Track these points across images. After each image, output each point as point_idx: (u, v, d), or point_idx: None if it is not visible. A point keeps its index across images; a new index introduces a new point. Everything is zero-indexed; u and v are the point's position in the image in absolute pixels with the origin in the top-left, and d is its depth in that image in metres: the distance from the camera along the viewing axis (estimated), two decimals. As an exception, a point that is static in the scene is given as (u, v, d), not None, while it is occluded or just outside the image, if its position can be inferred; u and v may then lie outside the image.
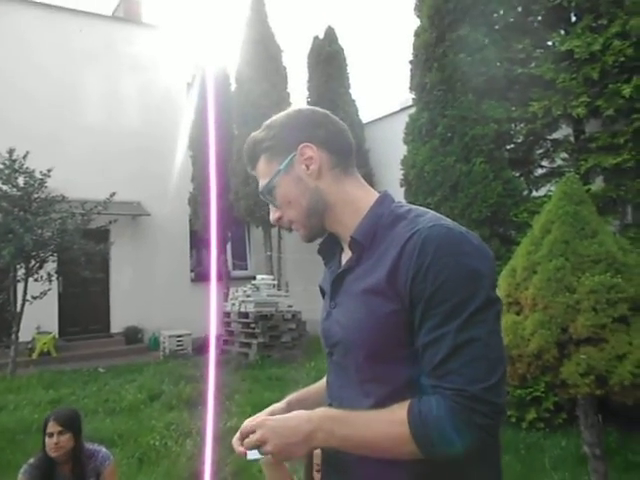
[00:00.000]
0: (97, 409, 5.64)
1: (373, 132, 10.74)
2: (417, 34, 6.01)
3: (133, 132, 10.71)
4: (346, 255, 1.07)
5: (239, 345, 8.81)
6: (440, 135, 5.17)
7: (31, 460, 2.89)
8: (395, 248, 0.93)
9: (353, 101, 9.64)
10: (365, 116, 10.09)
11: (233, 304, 9.03)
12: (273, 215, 1.09)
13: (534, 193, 5.93)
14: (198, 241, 11.63)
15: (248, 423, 0.95)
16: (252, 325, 8.54)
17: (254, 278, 9.39)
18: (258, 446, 0.91)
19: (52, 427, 2.76)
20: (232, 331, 9.08)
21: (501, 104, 5.51)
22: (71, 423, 2.83)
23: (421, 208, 1.01)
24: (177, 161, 10.94)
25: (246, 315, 8.64)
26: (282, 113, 1.10)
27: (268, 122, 1.10)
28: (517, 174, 5.83)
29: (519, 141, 6.12)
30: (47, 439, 2.75)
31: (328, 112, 1.09)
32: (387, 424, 0.88)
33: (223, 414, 5.39)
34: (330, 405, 1.04)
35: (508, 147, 6.04)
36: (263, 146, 1.07)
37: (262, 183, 1.07)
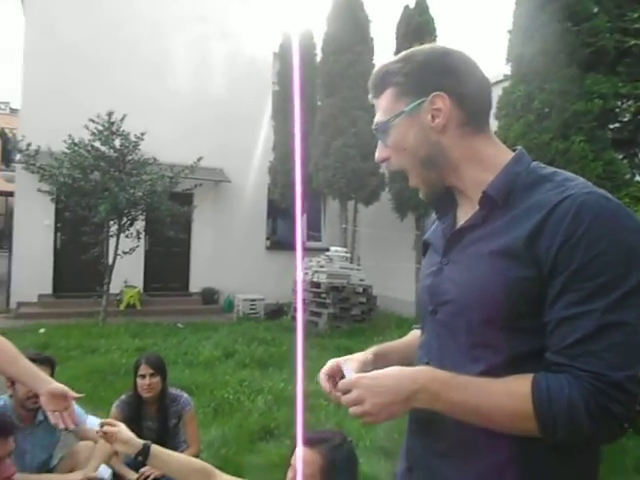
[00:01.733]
0: (177, 360, 6.00)
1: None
2: (518, 2, 5.63)
3: (220, 100, 11.00)
4: (463, 212, 1.02)
5: (309, 314, 8.98)
6: (536, 110, 4.84)
7: (123, 397, 3.14)
8: (539, 211, 0.86)
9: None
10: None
11: (306, 273, 9.19)
12: (380, 153, 1.03)
13: (637, 177, 5.46)
14: (275, 210, 11.89)
15: (343, 382, 0.92)
16: (323, 295, 8.66)
17: (327, 250, 9.47)
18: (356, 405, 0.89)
19: (144, 369, 2.97)
20: (303, 300, 9.26)
21: (609, 79, 5.06)
22: (160, 367, 3.05)
23: (567, 172, 0.94)
24: (260, 130, 11.16)
25: (318, 285, 8.77)
26: (425, 47, 1.00)
27: (407, 54, 1.01)
28: (620, 156, 5.37)
29: (625, 120, 5.62)
30: (139, 380, 2.97)
31: (476, 62, 1.00)
32: (505, 396, 0.83)
33: (292, 377, 5.56)
34: (427, 363, 1.00)
35: (612, 126, 5.57)
36: (394, 80, 0.99)
37: (379, 118, 1.01)
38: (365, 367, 1.04)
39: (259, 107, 11.38)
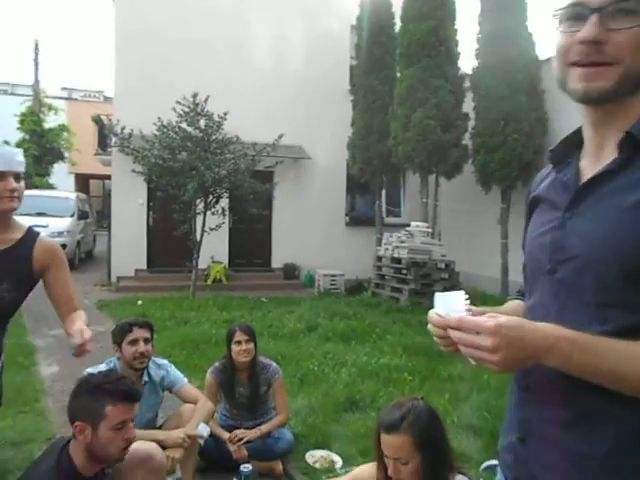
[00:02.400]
0: (262, 332, 6.21)
1: (551, 71, 9.56)
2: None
3: (298, 77, 11.05)
4: (589, 162, 0.94)
5: (390, 289, 8.93)
6: None
7: (216, 363, 3.30)
8: None
9: (529, 35, 8.65)
10: (543, 52, 9.04)
11: (386, 249, 9.11)
12: (592, 30, 0.84)
13: None
14: (354, 186, 11.84)
15: (476, 321, 0.84)
16: (404, 271, 8.56)
17: (407, 225, 9.31)
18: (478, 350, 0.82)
19: (240, 336, 3.11)
20: (384, 275, 9.21)
21: None
22: (253, 335, 3.18)
23: None
24: (338, 106, 11.09)
25: (399, 261, 8.67)
26: None
27: None
28: None
29: None
30: (235, 347, 3.11)
31: None
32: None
33: (375, 351, 5.58)
34: None
35: None
36: None
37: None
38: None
39: (337, 82, 11.29)
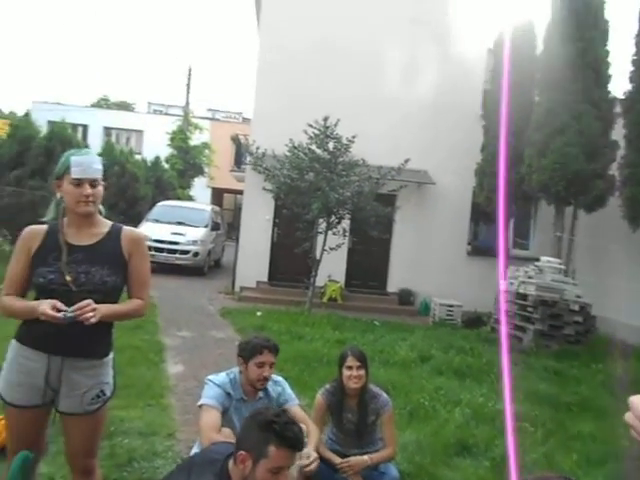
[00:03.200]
0: (374, 357, 6.10)
1: None
2: None
3: (429, 101, 10.92)
4: None
5: (512, 327, 8.31)
6: None
7: (327, 386, 3.28)
8: None
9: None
10: None
11: (511, 283, 8.53)
12: None
13: None
14: (479, 214, 11.32)
15: None
16: (529, 309, 7.93)
17: (537, 260, 8.63)
18: None
19: (351, 361, 3.07)
20: (506, 311, 8.62)
21: None
22: (365, 361, 3.12)
23: None
24: (468, 131, 10.74)
25: (524, 297, 8.05)
26: None
27: None
28: None
29: None
30: (346, 371, 3.08)
31: None
32: None
33: (492, 393, 5.19)
34: None
35: None
36: None
37: None
38: None
39: (469, 107, 10.96)
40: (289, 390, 3.03)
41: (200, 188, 25.08)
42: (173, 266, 12.20)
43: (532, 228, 11.55)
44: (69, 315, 1.82)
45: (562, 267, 8.41)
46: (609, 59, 8.59)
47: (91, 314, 1.84)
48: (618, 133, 8.37)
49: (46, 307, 1.82)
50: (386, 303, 10.83)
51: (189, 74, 26.20)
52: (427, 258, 11.00)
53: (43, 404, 2.00)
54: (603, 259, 9.41)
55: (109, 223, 2.15)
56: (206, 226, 13.39)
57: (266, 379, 2.83)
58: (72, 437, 2.08)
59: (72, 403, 2.00)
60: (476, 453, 3.75)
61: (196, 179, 24.84)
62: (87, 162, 2.00)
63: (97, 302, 1.91)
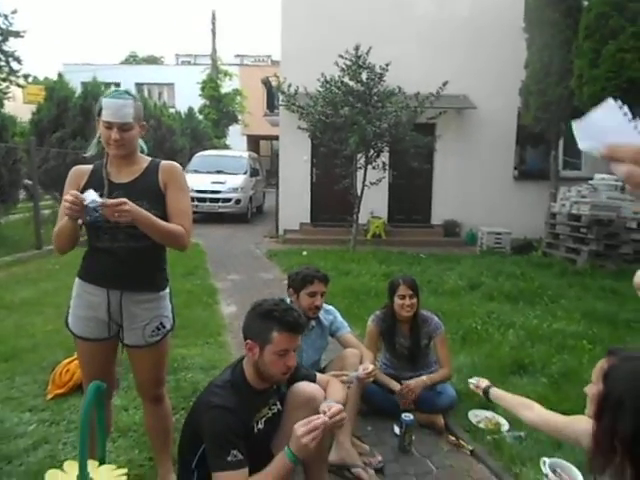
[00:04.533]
0: (422, 287, 6.03)
1: None
2: None
3: (464, 18, 10.22)
4: None
5: (565, 250, 8.06)
6: None
7: (377, 312, 3.30)
8: None
9: None
10: None
11: (563, 205, 8.19)
12: None
13: None
14: (525, 136, 10.78)
15: None
16: (583, 230, 7.62)
17: (589, 179, 8.20)
18: None
19: (404, 290, 3.08)
20: (558, 234, 8.34)
21: None
22: (417, 289, 3.11)
23: None
24: (509, 47, 10.04)
25: (578, 218, 7.73)
26: None
27: None
28: None
29: None
30: (399, 300, 3.09)
31: None
32: None
33: (547, 315, 5.11)
34: None
35: None
36: None
37: None
38: None
39: (508, 19, 10.16)
40: (340, 318, 3.07)
41: (235, 136, 25.01)
42: (217, 215, 12.41)
43: (584, 146, 10.93)
44: (92, 204, 1.76)
45: (619, 184, 7.96)
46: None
47: (123, 210, 1.78)
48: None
49: (67, 196, 1.78)
50: (431, 236, 10.69)
51: (213, 19, 25.55)
52: (472, 187, 10.68)
53: (110, 337, 2.09)
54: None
55: (148, 159, 2.14)
56: (245, 173, 13.43)
57: (318, 308, 2.88)
58: (139, 369, 2.18)
59: (134, 336, 2.08)
60: (533, 371, 3.72)
61: (231, 128, 24.73)
62: (117, 106, 1.96)
63: (141, 237, 1.93)
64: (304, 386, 2.10)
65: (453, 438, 2.91)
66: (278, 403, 2.10)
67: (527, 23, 9.81)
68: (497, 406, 3.21)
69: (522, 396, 3.38)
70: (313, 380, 2.18)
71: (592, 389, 1.75)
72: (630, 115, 0.67)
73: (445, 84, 8.34)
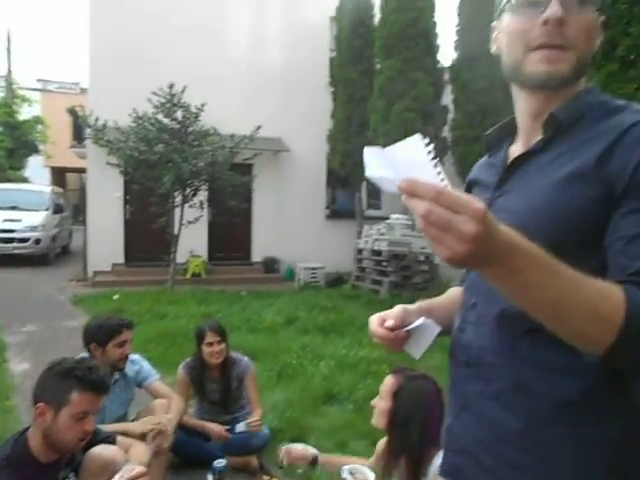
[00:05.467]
0: (240, 326, 6.16)
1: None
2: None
3: (277, 69, 10.92)
4: (516, 147, 0.99)
5: (370, 282, 8.93)
6: (620, 58, 4.40)
7: (188, 359, 3.25)
8: (612, 133, 0.82)
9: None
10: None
11: (366, 241, 9.10)
12: (558, 10, 0.84)
13: None
14: (334, 179, 11.79)
15: (471, 203, 0.64)
16: (384, 263, 8.56)
17: (388, 218, 9.31)
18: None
19: (212, 337, 3.06)
20: (364, 268, 9.21)
21: None
22: (225, 333, 3.12)
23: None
24: (317, 98, 11.00)
25: (379, 253, 8.67)
26: None
27: None
28: None
29: None
30: (207, 348, 3.06)
31: None
32: (597, 296, 0.71)
33: (354, 344, 5.56)
34: (475, 304, 0.95)
35: None
36: None
37: None
38: (409, 316, 1.00)
39: (316, 74, 11.19)
40: (148, 367, 2.94)
41: (37, 168, 22.40)
42: (11, 257, 10.85)
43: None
44: None
45: (409, 222, 9.17)
46: (437, 29, 9.35)
47: None
48: (447, 99, 9.24)
49: None
50: (252, 273, 10.87)
51: (9, 37, 22.91)
52: (288, 225, 11.22)
53: None
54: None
55: None
56: (47, 209, 12.07)
57: (127, 357, 2.75)
58: None
59: None
60: (341, 399, 4.01)
61: (31, 158, 22.11)
62: None
63: None
64: (101, 450, 1.94)
65: (267, 477, 2.95)
66: (72, 475, 1.90)
67: (332, 78, 10.93)
68: (309, 438, 3.38)
69: (332, 423, 3.63)
70: (113, 443, 2.03)
71: (381, 404, 2.02)
72: (433, 155, 0.67)
73: (259, 128, 8.74)
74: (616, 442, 0.82)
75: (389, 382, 2.03)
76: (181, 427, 2.93)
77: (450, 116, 9.18)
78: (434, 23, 9.30)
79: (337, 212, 12.05)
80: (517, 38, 0.89)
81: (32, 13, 64.77)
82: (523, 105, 0.96)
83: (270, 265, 11.06)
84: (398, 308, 1.02)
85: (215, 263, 10.77)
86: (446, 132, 9.23)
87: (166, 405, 2.75)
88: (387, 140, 8.84)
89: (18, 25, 63.96)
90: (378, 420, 2.03)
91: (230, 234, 11.05)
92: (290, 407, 3.80)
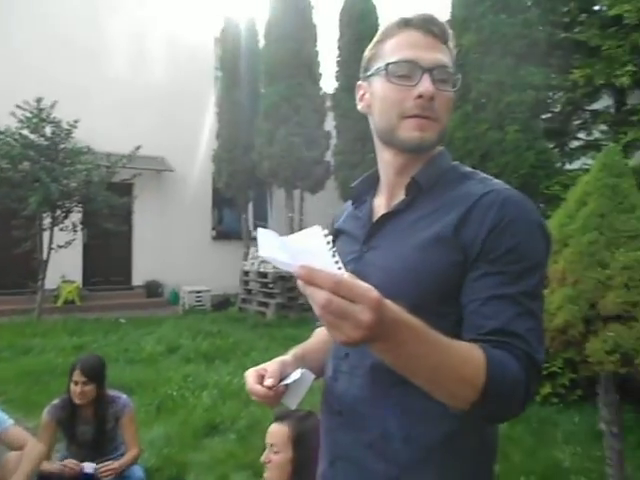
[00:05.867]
0: (118, 358, 5.79)
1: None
2: (456, -8, 5.72)
3: (159, 86, 10.61)
4: (379, 201, 1.06)
5: (257, 304, 8.92)
6: (474, 101, 4.96)
7: (55, 401, 2.98)
8: (466, 201, 0.92)
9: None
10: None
11: (252, 263, 9.10)
12: (431, 87, 0.93)
13: (567, 166, 5.72)
14: (220, 199, 11.66)
15: (368, 292, 0.67)
16: (270, 285, 8.62)
17: (274, 239, 9.40)
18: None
19: (78, 376, 2.82)
20: (250, 290, 9.18)
21: (541, 70, 5.24)
22: (95, 374, 2.90)
23: (484, 173, 1.01)
24: (202, 117, 10.87)
25: (265, 275, 8.71)
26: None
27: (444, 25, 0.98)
28: (551, 145, 5.61)
29: (556, 110, 5.87)
30: (72, 386, 2.83)
31: None
32: (461, 360, 0.78)
33: (239, 370, 5.50)
34: (347, 354, 0.98)
35: (544, 116, 5.80)
36: (451, 44, 0.99)
37: (449, 62, 0.97)
38: (285, 368, 1.02)
39: (201, 94, 11.07)
40: (-2, 414, 2.63)
41: None
42: None
43: (269, 210, 12.48)
44: None
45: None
46: (319, 59, 9.76)
47: None
48: (329, 125, 9.65)
49: None
50: (133, 298, 10.31)
51: None
52: (172, 246, 10.85)
53: None
54: (327, 234, 10.81)
55: None
56: None
57: None
58: None
59: None
60: (223, 430, 3.93)
61: None
62: None
63: None
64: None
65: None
66: None
67: (217, 99, 10.87)
68: (188, 475, 3.27)
69: (213, 456, 3.55)
70: None
71: (277, 457, 1.88)
72: (332, 245, 0.67)
73: (138, 148, 8.40)
74: (475, 477, 0.94)
75: (280, 431, 1.92)
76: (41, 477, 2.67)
77: (333, 141, 9.58)
78: (316, 52, 9.70)
79: (224, 233, 11.91)
80: (391, 105, 0.96)
81: None
82: (388, 162, 1.03)
83: (153, 289, 10.58)
84: (275, 363, 1.03)
85: (91, 288, 10.05)
86: (329, 157, 9.60)
87: (20, 456, 2.49)
88: (272, 163, 9.00)
89: None
90: (275, 475, 1.90)
91: (108, 257, 10.40)
92: (169, 443, 3.65)
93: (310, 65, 9.41)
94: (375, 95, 1.00)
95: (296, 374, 1.00)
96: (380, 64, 0.98)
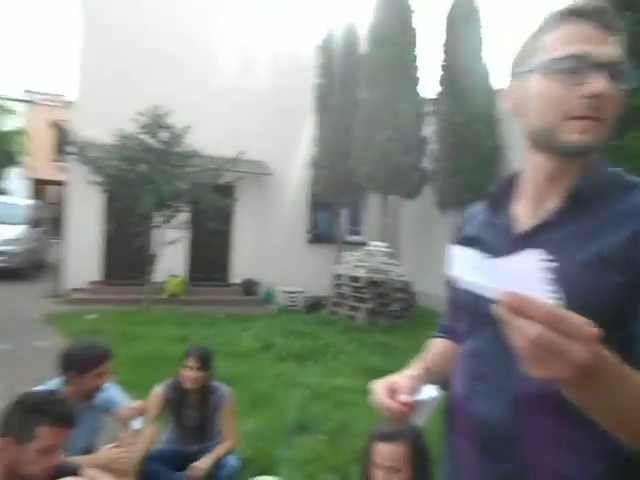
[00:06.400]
0: (217, 350, 6.06)
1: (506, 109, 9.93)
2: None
3: (263, 93, 11.08)
4: (521, 209, 0.96)
5: (348, 308, 8.98)
6: None
7: (168, 381, 3.22)
8: (636, 218, 0.82)
9: (484, 65, 9.00)
10: (496, 83, 9.39)
11: (345, 267, 9.18)
12: (605, 86, 0.84)
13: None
14: (316, 204, 11.91)
15: (584, 325, 0.62)
16: (362, 290, 8.63)
17: (367, 244, 9.42)
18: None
19: (192, 362, 3.04)
20: (342, 293, 9.26)
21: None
22: (207, 362, 3.11)
23: None
24: (302, 124, 11.18)
25: (357, 279, 8.74)
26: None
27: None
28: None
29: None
30: (185, 371, 3.05)
31: None
32: None
33: (328, 372, 5.58)
34: (484, 374, 0.91)
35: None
36: (622, 35, 0.87)
37: (622, 57, 0.87)
38: (416, 383, 1.00)
39: (301, 100, 11.39)
40: (117, 392, 2.90)
41: (17, 180, 22.12)
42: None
43: (363, 215, 12.53)
44: None
45: (388, 250, 9.29)
46: (417, 63, 9.63)
47: None
48: (428, 130, 9.48)
49: None
50: (230, 294, 10.84)
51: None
52: (269, 248, 11.25)
53: None
54: (422, 241, 10.62)
55: None
56: (24, 223, 11.90)
57: (100, 388, 2.70)
58: None
59: None
60: (313, 430, 4.01)
61: (10, 169, 21.81)
62: None
63: None
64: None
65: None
66: None
67: (317, 105, 11.13)
68: (278, 470, 3.38)
69: (302, 455, 3.63)
70: (79, 475, 2.02)
71: (396, 478, 1.81)
72: (548, 274, 0.61)
73: (242, 153, 8.85)
74: None
75: (397, 451, 1.85)
76: (150, 456, 2.91)
77: (429, 148, 9.41)
78: (415, 57, 9.59)
79: (319, 237, 12.14)
80: (553, 105, 0.87)
81: (18, 20, 64.59)
82: (539, 166, 0.93)
83: (249, 287, 11.04)
84: (408, 378, 0.99)
85: (194, 284, 10.71)
86: (425, 162, 9.44)
87: (134, 435, 2.73)
88: (369, 168, 9.03)
89: (4, 33, 63.60)
90: None
91: (210, 255, 11.03)
92: (262, 437, 3.80)
93: (409, 69, 9.33)
94: (531, 93, 0.90)
95: (430, 391, 0.97)
96: (540, 59, 0.88)
